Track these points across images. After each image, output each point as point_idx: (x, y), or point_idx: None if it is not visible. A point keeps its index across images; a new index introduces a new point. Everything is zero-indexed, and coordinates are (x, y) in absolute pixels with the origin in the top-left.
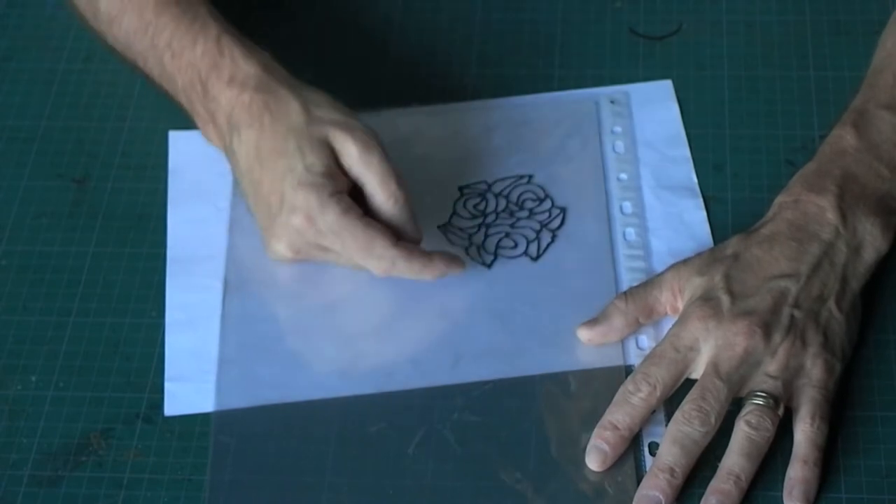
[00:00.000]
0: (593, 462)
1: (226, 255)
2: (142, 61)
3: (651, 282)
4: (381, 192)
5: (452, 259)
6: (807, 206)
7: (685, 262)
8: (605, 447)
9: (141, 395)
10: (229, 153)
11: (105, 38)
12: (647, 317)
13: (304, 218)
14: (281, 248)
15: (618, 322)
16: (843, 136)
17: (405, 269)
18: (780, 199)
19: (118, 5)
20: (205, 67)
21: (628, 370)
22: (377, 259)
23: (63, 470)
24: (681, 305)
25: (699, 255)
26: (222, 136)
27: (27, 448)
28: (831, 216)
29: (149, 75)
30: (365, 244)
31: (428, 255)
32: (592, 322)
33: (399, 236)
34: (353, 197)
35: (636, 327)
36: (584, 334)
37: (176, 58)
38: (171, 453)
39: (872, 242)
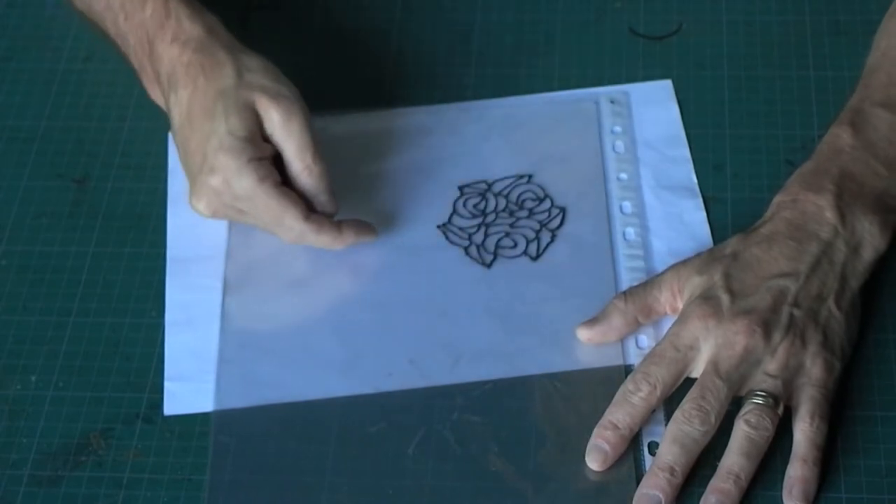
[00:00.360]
0: (594, 461)
1: (226, 255)
2: (100, 21)
3: (650, 281)
4: (297, 162)
5: (362, 226)
6: (805, 205)
7: (684, 262)
8: (606, 447)
9: (141, 395)
10: (168, 111)
11: (73, 3)
12: (647, 316)
13: (222, 181)
14: (201, 206)
15: (617, 321)
16: (840, 135)
17: (314, 241)
18: (778, 198)
19: None
20: (152, 27)
21: (628, 370)
22: (287, 230)
23: (63, 470)
24: (680, 305)
25: (698, 255)
26: (165, 95)
27: (27, 448)
28: (830, 215)
29: (107, 36)
30: (276, 214)
31: (338, 227)
32: (592, 321)
33: (314, 207)
34: (277, 166)
35: (635, 327)
36: (583, 334)
37: (128, 19)
38: (171, 453)
39: (871, 241)
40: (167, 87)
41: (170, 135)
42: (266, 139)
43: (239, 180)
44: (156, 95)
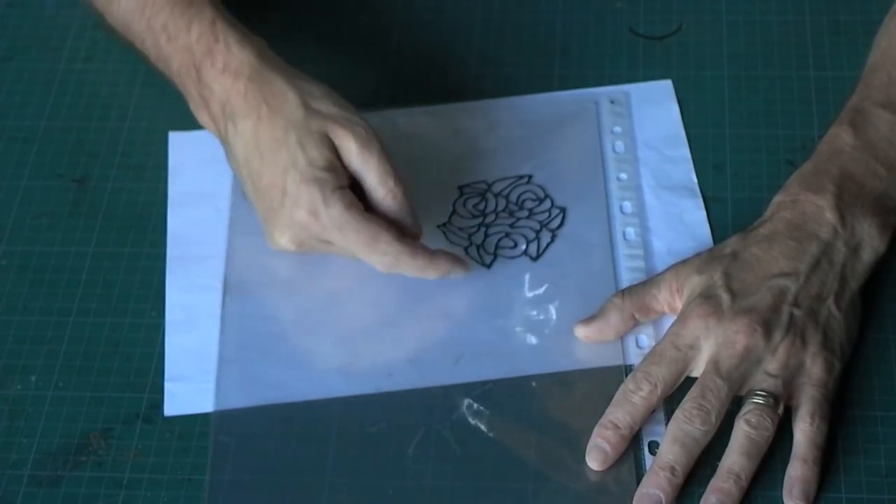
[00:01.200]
0: (594, 461)
1: (226, 255)
2: (139, 42)
3: (649, 280)
4: (380, 189)
5: (456, 260)
6: (805, 205)
7: (684, 261)
8: (606, 446)
9: (141, 395)
10: (225, 142)
11: (105, 19)
12: (644, 314)
13: (309, 213)
14: (284, 240)
15: (614, 318)
16: (840, 135)
17: (409, 265)
18: (777, 198)
19: None
20: (199, 52)
21: (628, 369)
22: (381, 255)
23: (63, 470)
24: (679, 304)
25: (698, 254)
26: (217, 123)
27: (27, 448)
28: (829, 216)
29: (146, 56)
30: (369, 240)
31: (432, 253)
32: (589, 319)
33: (400, 232)
34: (354, 191)
35: (633, 324)
36: (580, 331)
37: (171, 41)
38: (171, 453)
39: (870, 242)
40: (222, 116)
41: (230, 166)
42: (343, 166)
43: (327, 211)
44: (205, 121)
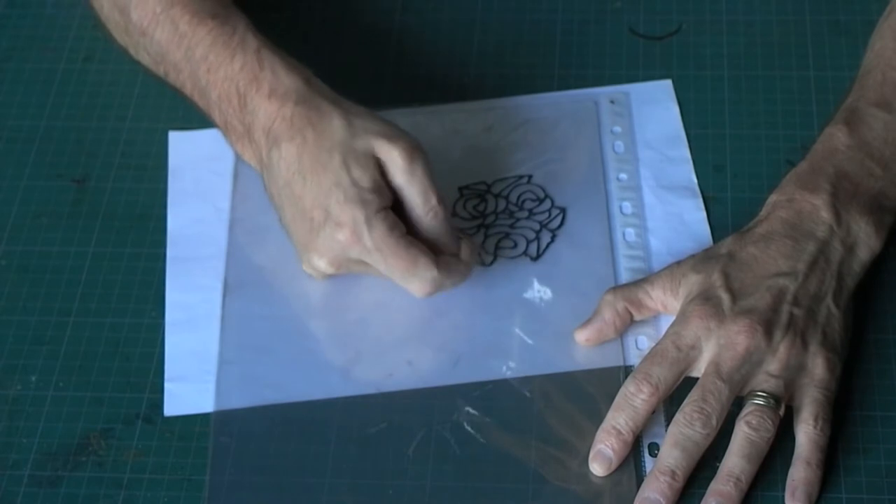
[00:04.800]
0: (598, 468)
1: (226, 255)
2: (174, 73)
3: (644, 278)
4: (423, 205)
5: (474, 246)
6: (801, 204)
7: (679, 261)
8: (610, 452)
9: (141, 395)
10: (265, 168)
11: (135, 50)
12: (637, 309)
13: (350, 233)
14: (322, 263)
15: (608, 314)
16: (835, 135)
17: (448, 285)
18: (773, 197)
19: (150, 17)
20: (243, 80)
21: (627, 370)
22: (419, 280)
23: (63, 470)
24: (674, 303)
25: (693, 255)
26: (257, 151)
27: (27, 448)
28: (825, 214)
29: (180, 88)
30: (409, 265)
31: (465, 264)
32: (586, 322)
33: (438, 250)
34: (395, 212)
35: (628, 320)
36: (580, 336)
37: (212, 71)
38: (171, 453)
39: (866, 241)
40: (264, 142)
41: (268, 193)
42: (387, 186)
43: (370, 232)
44: (245, 151)
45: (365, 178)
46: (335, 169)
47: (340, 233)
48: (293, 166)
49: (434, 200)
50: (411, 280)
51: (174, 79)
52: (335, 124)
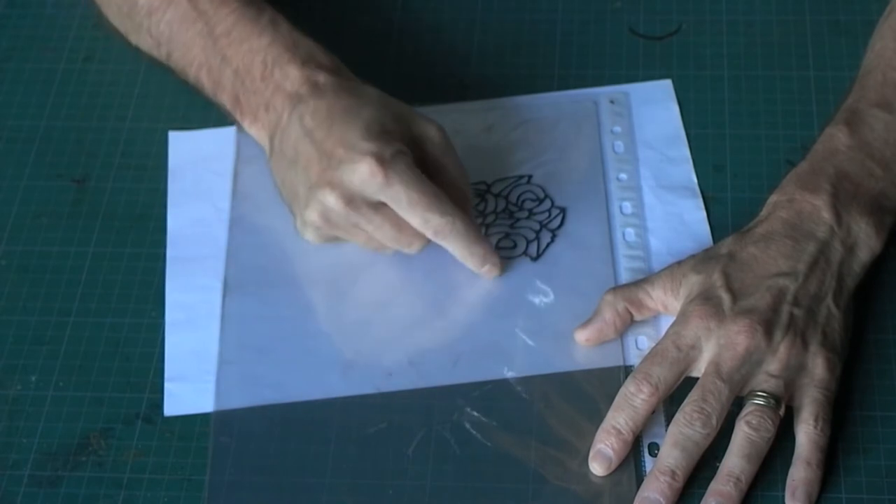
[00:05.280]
0: (598, 468)
1: (226, 255)
2: (179, 52)
3: (644, 278)
4: (459, 177)
5: (496, 258)
6: (801, 204)
7: (679, 261)
8: (610, 452)
9: (141, 395)
10: (279, 131)
11: (136, 34)
12: (637, 309)
13: (376, 161)
14: (332, 199)
15: (608, 314)
16: (836, 135)
17: (462, 231)
18: (773, 198)
19: None
20: (272, 54)
21: (627, 370)
22: (440, 215)
23: (63, 470)
24: (674, 304)
25: (693, 255)
26: (273, 118)
27: (27, 448)
28: (826, 215)
29: (184, 67)
30: (430, 199)
31: (481, 233)
32: (585, 322)
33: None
34: None
35: (628, 320)
36: (580, 336)
37: (233, 45)
38: (171, 453)
39: (867, 242)
40: (287, 105)
41: (272, 157)
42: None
43: (395, 164)
44: (254, 124)
45: (397, 130)
46: (367, 117)
47: (364, 162)
48: (320, 115)
49: (467, 181)
50: (429, 218)
51: (179, 58)
52: (370, 91)
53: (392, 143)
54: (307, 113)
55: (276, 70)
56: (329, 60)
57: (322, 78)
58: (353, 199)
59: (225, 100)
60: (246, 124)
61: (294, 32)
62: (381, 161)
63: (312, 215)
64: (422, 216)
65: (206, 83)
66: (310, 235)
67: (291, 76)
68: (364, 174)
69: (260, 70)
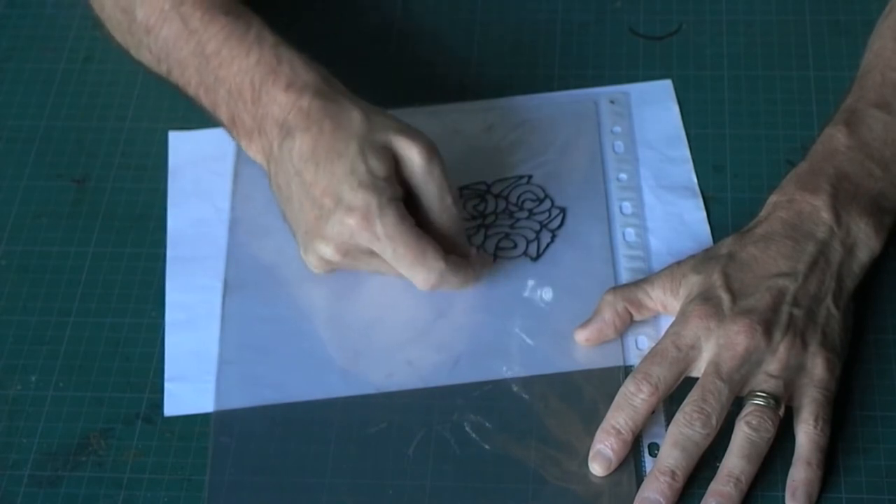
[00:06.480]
0: (598, 468)
1: (226, 255)
2: (178, 70)
3: (643, 278)
4: (437, 205)
5: (485, 259)
6: (801, 205)
7: (679, 262)
8: (609, 452)
9: (141, 395)
10: (273, 160)
11: (137, 50)
12: (637, 309)
13: (362, 218)
14: (328, 250)
15: (608, 314)
16: (835, 135)
17: (451, 283)
18: (773, 198)
19: (157, 15)
20: (259, 74)
21: (627, 370)
22: (427, 271)
23: (63, 470)
24: (674, 304)
25: (693, 255)
26: (267, 143)
27: (27, 448)
28: (826, 215)
29: (184, 85)
30: (418, 253)
31: (471, 264)
32: (585, 322)
33: (446, 250)
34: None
35: (628, 320)
36: (580, 336)
37: (224, 66)
38: (171, 453)
39: (866, 242)
40: (277, 134)
41: (272, 186)
42: (399, 183)
43: (381, 218)
44: (252, 146)
45: (381, 168)
46: (351, 157)
47: (351, 217)
48: (307, 154)
49: (449, 200)
50: (418, 270)
51: (178, 76)
52: (354, 116)
53: (377, 190)
54: (294, 150)
55: (264, 94)
56: (313, 77)
57: (306, 102)
58: (348, 251)
59: (223, 118)
60: (243, 144)
61: (279, 47)
62: (367, 217)
63: (312, 259)
64: (408, 271)
65: (205, 101)
66: (313, 270)
67: (278, 100)
68: (352, 230)
69: (249, 92)
